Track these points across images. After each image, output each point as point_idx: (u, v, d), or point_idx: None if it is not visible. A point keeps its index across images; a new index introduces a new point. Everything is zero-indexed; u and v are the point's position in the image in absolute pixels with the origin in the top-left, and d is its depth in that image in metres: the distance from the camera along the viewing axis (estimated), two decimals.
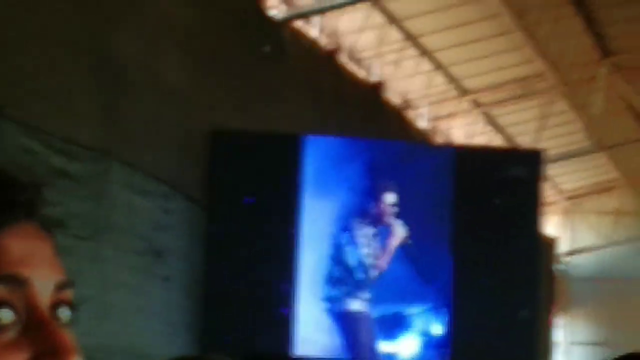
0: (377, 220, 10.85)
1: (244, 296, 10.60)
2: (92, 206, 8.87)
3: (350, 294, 10.81)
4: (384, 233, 10.85)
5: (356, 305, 10.78)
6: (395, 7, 15.12)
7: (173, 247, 10.09)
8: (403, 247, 10.84)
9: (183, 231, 10.31)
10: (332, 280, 10.83)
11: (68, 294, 0.92)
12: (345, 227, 10.88)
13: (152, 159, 9.76)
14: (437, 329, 10.97)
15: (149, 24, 9.76)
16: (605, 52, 18.74)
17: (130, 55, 9.46)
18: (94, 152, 8.83)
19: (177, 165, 10.20)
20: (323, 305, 10.84)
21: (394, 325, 10.98)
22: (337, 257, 10.85)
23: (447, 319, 10.95)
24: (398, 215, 10.87)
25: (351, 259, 10.80)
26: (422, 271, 10.97)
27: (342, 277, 10.83)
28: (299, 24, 13.10)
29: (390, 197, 10.82)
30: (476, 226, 11.02)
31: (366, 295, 10.82)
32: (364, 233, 10.85)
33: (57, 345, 0.88)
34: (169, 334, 9.93)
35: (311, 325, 10.82)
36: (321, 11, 13.34)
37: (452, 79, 18.07)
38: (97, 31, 9.03)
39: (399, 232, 10.81)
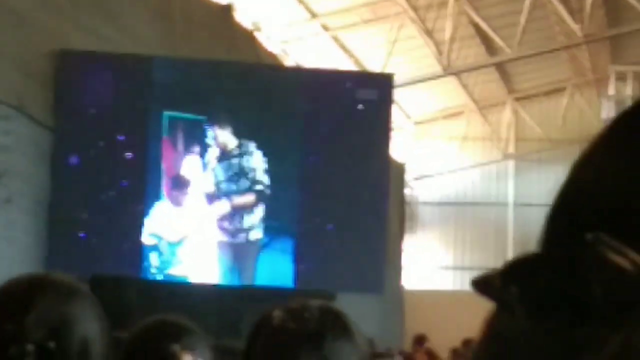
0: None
1: (93, 219, 10.37)
2: None
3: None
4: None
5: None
6: None
7: (15, 169, 9.73)
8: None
9: (26, 153, 9.96)
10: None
11: None
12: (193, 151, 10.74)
13: None
14: (285, 254, 10.93)
15: None
16: None
17: None
18: None
19: (20, 87, 9.81)
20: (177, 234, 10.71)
21: (241, 250, 10.90)
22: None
23: (293, 243, 10.91)
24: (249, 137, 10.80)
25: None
26: (271, 199, 10.88)
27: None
28: None
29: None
30: (326, 149, 10.96)
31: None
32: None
33: None
34: (11, 255, 9.62)
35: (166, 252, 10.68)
36: None
37: (301, 2, 17.89)
38: None
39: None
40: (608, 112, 21.45)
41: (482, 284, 0.78)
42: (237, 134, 10.80)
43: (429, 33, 19.82)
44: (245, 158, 10.75)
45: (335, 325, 2.19)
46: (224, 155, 10.76)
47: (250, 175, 10.76)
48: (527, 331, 0.74)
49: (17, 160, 9.83)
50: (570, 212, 0.75)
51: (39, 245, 10.18)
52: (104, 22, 11.09)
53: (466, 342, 12.72)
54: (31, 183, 10.07)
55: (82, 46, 10.58)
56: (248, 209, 10.81)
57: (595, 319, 0.70)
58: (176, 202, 10.72)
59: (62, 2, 10.42)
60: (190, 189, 10.76)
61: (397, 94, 15.77)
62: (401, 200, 19.99)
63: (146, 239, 10.59)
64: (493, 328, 0.79)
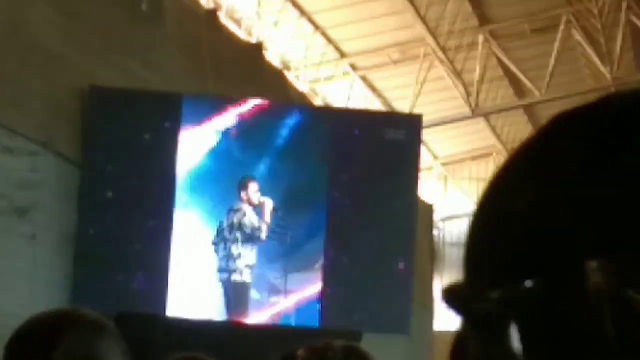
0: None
1: (117, 256, 10.39)
2: None
3: (233, 261, 10.71)
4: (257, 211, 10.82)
5: (238, 275, 10.70)
6: None
7: (40, 206, 9.79)
8: (277, 217, 10.79)
9: (52, 189, 10.02)
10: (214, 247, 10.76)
11: None
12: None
13: (18, 116, 9.43)
14: (312, 288, 10.92)
15: None
16: (484, 19, 18.89)
17: None
18: None
19: (48, 123, 9.88)
20: (202, 271, 10.73)
21: (270, 289, 10.89)
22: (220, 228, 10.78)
23: (321, 277, 10.89)
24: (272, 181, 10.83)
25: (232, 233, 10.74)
26: (296, 237, 10.88)
27: (225, 246, 10.73)
28: None
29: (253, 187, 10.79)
30: (353, 190, 10.97)
31: (249, 262, 10.76)
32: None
33: None
34: (36, 293, 9.65)
35: (187, 289, 10.69)
36: None
37: (330, 42, 17.98)
38: None
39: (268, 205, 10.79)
40: None
41: (461, 299, 0.74)
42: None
43: (457, 74, 19.84)
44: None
45: None
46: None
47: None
48: None
49: (43, 196, 9.88)
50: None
51: (64, 283, 10.21)
52: (133, 59, 11.16)
53: None
54: (56, 218, 10.11)
55: (111, 84, 10.64)
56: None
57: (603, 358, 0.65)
58: None
59: (91, 39, 10.51)
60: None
61: (426, 135, 15.77)
62: (430, 241, 19.92)
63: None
64: (469, 351, 0.73)
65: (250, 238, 10.78)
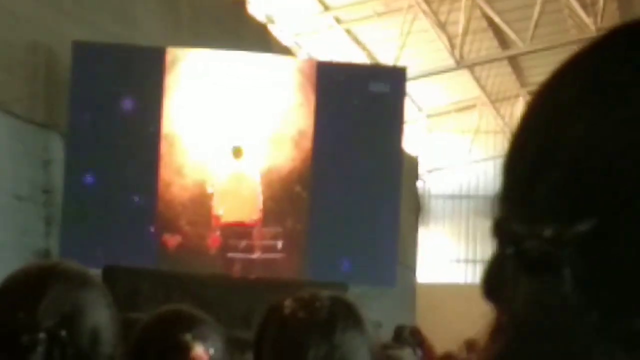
0: None
1: (105, 210, 10.38)
2: None
3: None
4: None
5: None
6: None
7: None
8: None
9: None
10: None
11: None
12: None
13: None
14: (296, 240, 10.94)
15: None
16: None
17: None
18: None
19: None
20: None
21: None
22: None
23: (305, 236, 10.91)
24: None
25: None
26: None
27: None
28: None
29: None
30: (337, 142, 10.95)
31: None
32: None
33: None
34: (24, 251, 9.64)
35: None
36: None
37: None
38: None
39: None
40: None
41: (511, 236, 0.68)
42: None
43: (441, 26, 19.80)
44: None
45: (346, 315, 2.19)
46: None
47: None
48: (573, 307, 0.65)
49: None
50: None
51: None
52: (110, 17, 11.03)
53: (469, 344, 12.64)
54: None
55: (79, 37, 10.42)
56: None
57: None
58: None
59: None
60: None
61: (410, 87, 15.74)
62: (414, 193, 19.98)
63: None
64: (507, 289, 0.68)
65: None
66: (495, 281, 0.70)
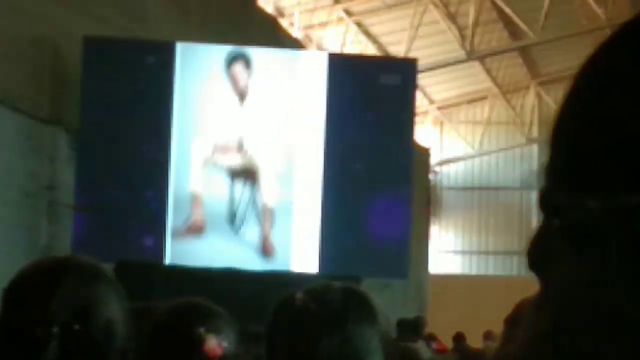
0: None
1: (115, 207, 10.41)
2: None
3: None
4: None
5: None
6: None
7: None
8: None
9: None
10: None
11: None
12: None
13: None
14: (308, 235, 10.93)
15: None
16: None
17: None
18: None
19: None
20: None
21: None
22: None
23: (318, 226, 10.90)
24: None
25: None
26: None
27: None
28: None
29: None
30: (349, 134, 10.94)
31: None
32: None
33: None
34: (31, 246, 9.66)
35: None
36: None
37: None
38: None
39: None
40: None
41: (558, 208, 0.66)
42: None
43: (452, 17, 19.76)
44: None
45: (359, 307, 2.18)
46: None
47: None
48: (618, 281, 0.62)
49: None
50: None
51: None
52: (118, 11, 11.02)
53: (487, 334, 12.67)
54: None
55: (90, 32, 10.41)
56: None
57: None
58: None
59: None
60: None
61: (421, 79, 15.75)
62: (426, 186, 19.96)
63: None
64: (552, 262, 0.67)
65: None
66: (541, 253, 0.69)
